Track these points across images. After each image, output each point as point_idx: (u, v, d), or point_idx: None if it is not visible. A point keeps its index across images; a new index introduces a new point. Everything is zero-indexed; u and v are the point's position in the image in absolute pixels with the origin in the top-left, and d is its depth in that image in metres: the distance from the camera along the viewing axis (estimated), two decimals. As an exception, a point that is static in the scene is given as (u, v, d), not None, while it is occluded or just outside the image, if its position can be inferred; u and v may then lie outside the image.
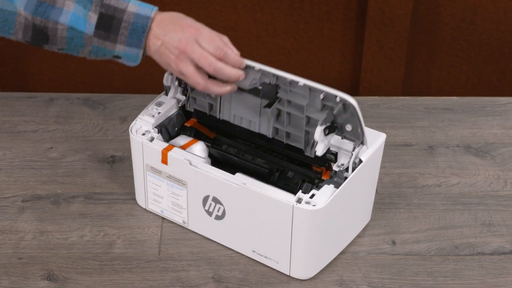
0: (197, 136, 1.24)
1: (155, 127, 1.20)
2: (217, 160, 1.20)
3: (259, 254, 1.16)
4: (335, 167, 1.13)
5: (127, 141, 1.25)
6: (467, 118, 1.49)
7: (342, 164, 1.13)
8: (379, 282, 1.15)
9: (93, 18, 1.10)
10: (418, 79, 1.96)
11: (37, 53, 1.87)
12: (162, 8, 1.86)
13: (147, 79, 1.95)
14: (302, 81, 1.10)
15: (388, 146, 1.38)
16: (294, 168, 1.19)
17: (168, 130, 1.23)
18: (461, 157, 1.39)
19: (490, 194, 1.31)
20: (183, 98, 1.24)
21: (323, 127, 1.10)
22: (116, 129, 1.42)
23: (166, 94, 1.24)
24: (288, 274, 1.15)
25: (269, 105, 1.14)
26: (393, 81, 1.91)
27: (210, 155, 1.20)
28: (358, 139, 1.12)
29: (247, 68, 1.11)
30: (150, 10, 1.11)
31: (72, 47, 1.13)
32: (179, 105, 1.23)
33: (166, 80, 1.22)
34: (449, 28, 1.88)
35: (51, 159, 1.36)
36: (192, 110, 1.23)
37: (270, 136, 1.17)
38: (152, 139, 1.19)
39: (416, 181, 1.34)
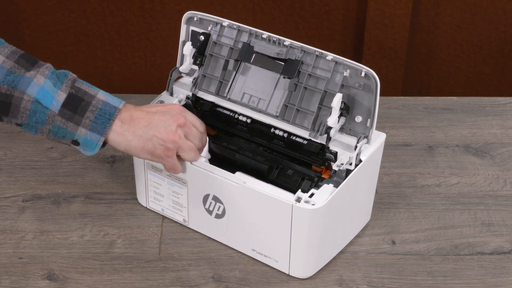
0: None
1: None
2: (217, 156, 1.21)
3: (258, 252, 1.17)
4: (334, 167, 1.13)
5: (127, 141, 1.25)
6: (466, 118, 1.49)
7: (342, 164, 1.13)
8: (378, 282, 1.15)
9: (62, 96, 1.08)
10: (418, 79, 1.96)
11: (37, 53, 1.87)
12: (163, 8, 1.86)
13: (147, 79, 1.95)
14: (330, 55, 1.12)
15: (388, 146, 1.38)
16: (294, 166, 1.19)
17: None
18: (461, 157, 1.39)
19: (490, 194, 1.32)
20: (184, 96, 1.25)
21: (341, 95, 1.12)
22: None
23: (181, 64, 1.24)
24: (288, 273, 1.15)
25: (289, 77, 1.16)
26: (393, 81, 1.91)
27: (210, 151, 1.20)
28: (364, 132, 1.13)
29: None
30: (119, 102, 1.10)
31: (32, 122, 1.08)
32: (181, 104, 1.23)
33: (186, 49, 1.22)
34: (449, 28, 1.88)
35: (51, 159, 1.37)
36: (197, 93, 1.23)
37: (277, 115, 1.17)
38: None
39: (416, 181, 1.34)
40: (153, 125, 1.10)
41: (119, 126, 1.09)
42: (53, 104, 1.07)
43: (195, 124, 1.14)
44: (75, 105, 1.08)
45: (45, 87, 1.07)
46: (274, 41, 1.18)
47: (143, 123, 1.10)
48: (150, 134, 1.09)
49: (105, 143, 1.11)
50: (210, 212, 1.18)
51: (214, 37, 1.22)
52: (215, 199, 1.16)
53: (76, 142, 1.11)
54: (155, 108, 1.13)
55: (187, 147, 1.11)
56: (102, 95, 1.10)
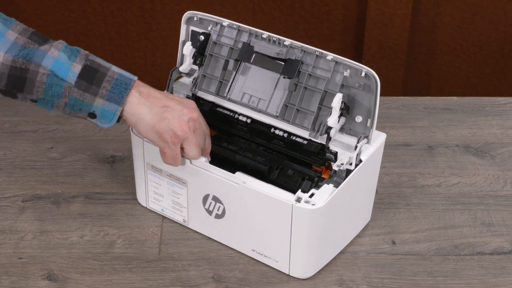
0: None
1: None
2: (217, 157, 1.21)
3: (258, 253, 1.17)
4: (335, 167, 1.13)
5: (127, 141, 1.25)
6: (466, 118, 1.49)
7: (342, 164, 1.13)
8: (379, 282, 1.15)
9: (77, 68, 1.08)
10: (418, 79, 1.96)
11: (37, 53, 1.87)
12: (163, 8, 1.86)
13: (147, 79, 1.95)
14: (330, 54, 1.12)
15: (388, 146, 1.38)
16: (294, 166, 1.19)
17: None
18: (461, 157, 1.39)
19: (490, 194, 1.32)
20: (184, 96, 1.24)
21: (341, 95, 1.12)
22: (116, 129, 1.43)
23: (181, 64, 1.24)
24: (288, 273, 1.15)
25: (289, 77, 1.16)
26: (393, 81, 1.91)
27: (210, 152, 1.20)
28: (364, 132, 1.13)
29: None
30: (133, 76, 1.11)
31: (48, 96, 1.09)
32: None
33: (186, 49, 1.22)
34: (449, 28, 1.88)
35: (51, 159, 1.37)
36: (197, 93, 1.23)
37: (277, 115, 1.17)
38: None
39: (416, 181, 1.34)
40: (169, 108, 1.10)
41: (137, 97, 1.10)
42: (69, 76, 1.07)
43: (203, 124, 1.14)
44: (91, 75, 1.08)
45: (60, 59, 1.07)
46: (274, 41, 1.18)
47: (160, 103, 1.10)
48: (164, 116, 1.09)
49: (119, 119, 1.11)
50: (210, 212, 1.18)
51: (214, 37, 1.22)
52: (215, 199, 1.16)
53: (92, 115, 1.10)
54: (172, 96, 1.14)
55: (194, 141, 1.11)
56: (116, 69, 1.10)
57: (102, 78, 1.08)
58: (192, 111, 1.12)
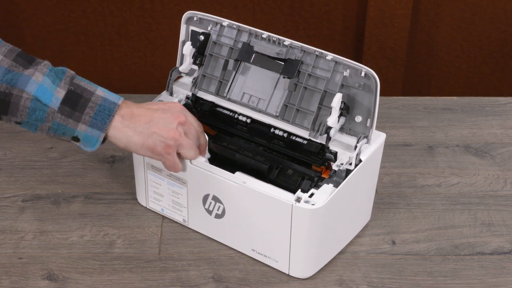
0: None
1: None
2: (217, 156, 1.21)
3: (258, 252, 1.17)
4: (334, 167, 1.13)
5: (127, 141, 1.24)
6: (466, 118, 1.49)
7: (342, 164, 1.13)
8: (378, 282, 1.15)
9: (61, 93, 1.07)
10: (418, 79, 1.96)
11: (37, 53, 1.87)
12: (163, 8, 1.86)
13: (147, 79, 1.95)
14: (330, 54, 1.12)
15: (388, 146, 1.38)
16: (293, 166, 1.19)
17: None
18: (461, 157, 1.39)
19: (490, 194, 1.32)
20: (184, 96, 1.25)
21: (341, 95, 1.12)
22: (116, 129, 1.42)
23: (181, 64, 1.24)
24: (287, 273, 1.15)
25: (289, 77, 1.16)
26: (393, 81, 1.91)
27: (210, 151, 1.21)
28: (364, 132, 1.13)
29: None
30: (118, 98, 1.10)
31: (32, 120, 1.08)
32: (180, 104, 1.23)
33: (186, 49, 1.22)
34: (449, 28, 1.88)
35: (51, 159, 1.37)
36: (197, 93, 1.23)
37: (277, 115, 1.17)
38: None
39: (416, 181, 1.34)
40: (154, 122, 1.10)
41: (120, 122, 1.09)
42: (52, 102, 1.07)
43: (194, 124, 1.14)
44: (74, 101, 1.08)
45: (44, 84, 1.07)
46: (274, 41, 1.18)
47: (144, 120, 1.10)
48: (151, 131, 1.10)
49: (105, 139, 1.11)
50: (210, 212, 1.18)
51: (214, 37, 1.22)
52: (215, 199, 1.16)
53: (76, 139, 1.11)
54: (156, 105, 1.13)
55: (188, 144, 1.11)
56: (101, 92, 1.10)
57: (86, 104, 1.08)
58: (178, 116, 1.11)
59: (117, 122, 1.09)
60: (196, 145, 1.13)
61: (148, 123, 1.10)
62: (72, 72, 1.10)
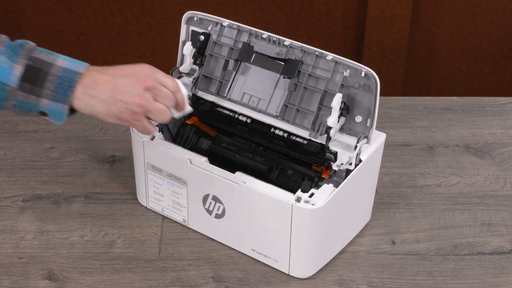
0: (198, 133, 1.24)
1: (156, 126, 1.21)
2: (217, 157, 1.21)
3: (258, 252, 1.17)
4: (334, 167, 1.13)
5: (127, 141, 1.25)
6: (466, 118, 1.49)
7: (342, 164, 1.13)
8: (378, 282, 1.15)
9: (19, 69, 1.04)
10: (418, 79, 1.97)
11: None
12: (163, 8, 1.86)
13: (147, 79, 1.95)
14: (330, 54, 1.13)
15: (388, 146, 1.38)
16: (294, 166, 1.19)
17: (169, 129, 1.24)
18: (461, 157, 1.39)
19: (490, 194, 1.32)
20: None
21: (341, 95, 1.12)
22: (116, 129, 1.43)
23: (181, 64, 1.24)
24: (287, 273, 1.15)
25: (289, 77, 1.16)
26: (393, 81, 1.91)
27: (210, 152, 1.21)
28: (364, 132, 1.13)
29: None
30: (80, 65, 1.06)
31: None
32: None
33: (186, 49, 1.22)
34: (449, 28, 1.88)
35: (51, 159, 1.37)
36: (197, 93, 1.23)
37: (277, 115, 1.17)
38: (153, 138, 1.19)
39: (416, 181, 1.34)
40: (118, 89, 1.05)
41: (82, 91, 1.05)
42: (10, 80, 1.04)
43: (166, 84, 1.08)
44: (33, 76, 1.04)
45: (0, 63, 1.03)
46: (274, 41, 1.18)
47: (108, 88, 1.05)
48: (116, 99, 1.05)
49: (75, 110, 1.07)
50: (210, 212, 1.18)
51: (214, 37, 1.22)
52: (215, 199, 1.16)
53: (44, 113, 1.07)
54: (121, 70, 1.08)
55: (155, 109, 1.06)
56: (62, 61, 1.05)
57: (45, 77, 1.04)
58: (145, 81, 1.06)
59: (79, 92, 1.05)
60: (170, 105, 1.08)
61: (112, 91, 1.05)
62: (32, 44, 1.06)
